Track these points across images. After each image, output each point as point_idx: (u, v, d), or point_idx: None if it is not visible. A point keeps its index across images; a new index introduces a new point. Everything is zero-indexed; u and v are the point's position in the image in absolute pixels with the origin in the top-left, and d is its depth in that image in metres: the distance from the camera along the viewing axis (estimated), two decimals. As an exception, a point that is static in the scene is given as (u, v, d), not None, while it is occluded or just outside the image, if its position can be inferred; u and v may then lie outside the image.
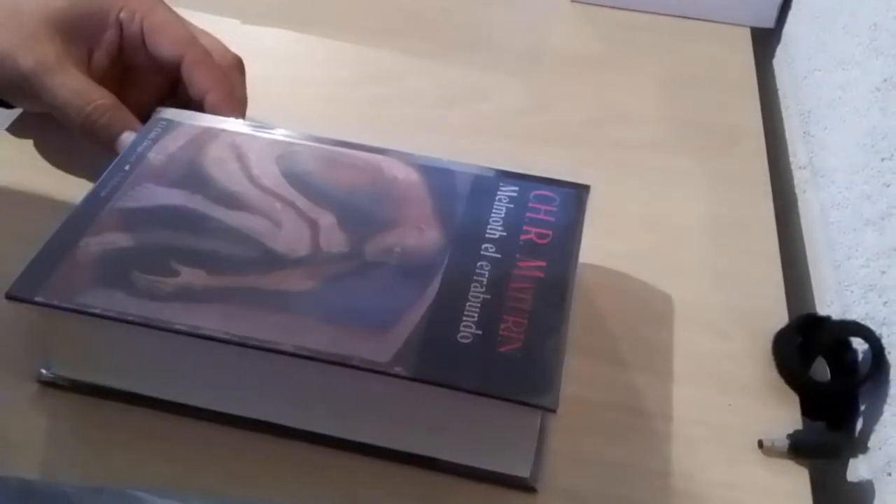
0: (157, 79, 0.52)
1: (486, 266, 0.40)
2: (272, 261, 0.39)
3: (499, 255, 0.40)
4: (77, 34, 0.48)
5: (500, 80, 0.62)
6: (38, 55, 0.46)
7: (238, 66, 0.53)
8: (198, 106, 0.49)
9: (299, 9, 0.67)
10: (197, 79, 0.49)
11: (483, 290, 0.39)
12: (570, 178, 0.45)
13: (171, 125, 0.46)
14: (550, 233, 0.42)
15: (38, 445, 0.39)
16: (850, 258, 0.47)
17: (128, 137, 0.47)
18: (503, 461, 0.38)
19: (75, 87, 0.47)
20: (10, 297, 0.37)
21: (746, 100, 0.62)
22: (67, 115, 0.48)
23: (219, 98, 0.49)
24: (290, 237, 0.40)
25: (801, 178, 0.58)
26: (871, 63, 0.49)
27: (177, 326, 0.36)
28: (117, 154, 0.45)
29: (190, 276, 0.38)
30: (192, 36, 0.51)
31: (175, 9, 0.55)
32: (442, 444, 0.39)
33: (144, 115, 0.48)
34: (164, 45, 0.50)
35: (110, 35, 0.50)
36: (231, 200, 0.42)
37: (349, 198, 0.43)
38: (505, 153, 0.54)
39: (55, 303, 0.37)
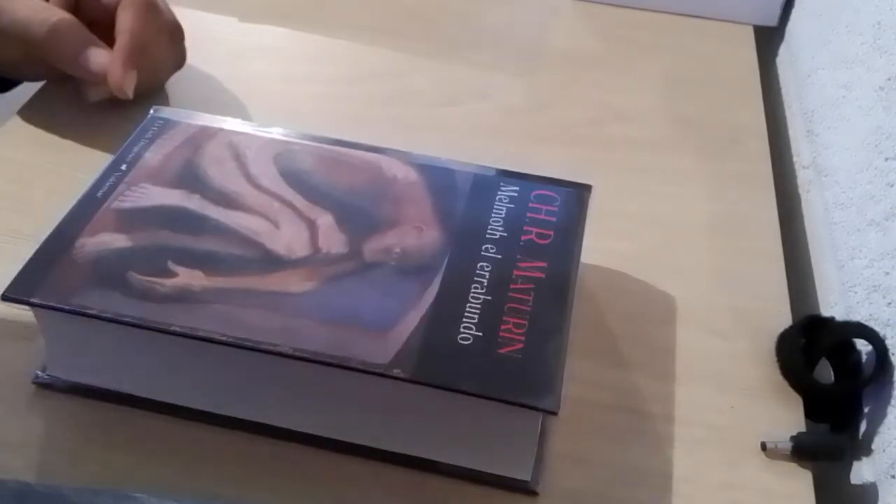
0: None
1: (487, 267, 0.39)
2: (270, 261, 0.39)
3: (499, 256, 0.40)
4: None
5: (500, 78, 0.62)
6: None
7: (172, 27, 0.54)
8: None
9: (298, 6, 0.67)
10: (119, 20, 0.51)
11: (483, 290, 0.38)
12: (570, 177, 0.44)
13: (167, 124, 0.46)
14: (551, 233, 0.41)
15: (35, 448, 0.39)
16: (854, 259, 0.47)
17: (92, 54, 0.49)
18: (504, 464, 0.38)
19: (36, 4, 0.49)
20: (6, 298, 0.37)
21: (749, 99, 0.61)
22: (31, 30, 0.49)
23: (123, 42, 0.50)
24: (288, 237, 0.40)
25: (804, 178, 0.58)
26: (875, 61, 0.49)
27: (174, 328, 0.36)
28: (80, 72, 0.48)
29: (187, 276, 0.38)
30: None
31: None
32: (441, 446, 0.38)
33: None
34: None
35: None
36: (229, 200, 0.42)
37: (348, 197, 0.42)
38: (505, 152, 0.54)
39: (51, 304, 0.37)
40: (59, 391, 0.40)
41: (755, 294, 0.48)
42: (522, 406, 0.34)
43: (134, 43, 0.50)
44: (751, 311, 0.47)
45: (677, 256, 0.50)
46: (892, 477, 0.38)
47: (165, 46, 0.54)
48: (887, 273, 0.42)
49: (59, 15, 0.49)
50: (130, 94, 0.51)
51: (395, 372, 0.35)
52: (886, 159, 0.45)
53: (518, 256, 0.40)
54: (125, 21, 0.51)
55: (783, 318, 0.46)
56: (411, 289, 0.38)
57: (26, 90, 0.57)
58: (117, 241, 0.39)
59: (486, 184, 0.44)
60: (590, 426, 0.41)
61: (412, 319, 0.37)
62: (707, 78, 0.63)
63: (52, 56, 0.50)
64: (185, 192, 0.42)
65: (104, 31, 0.52)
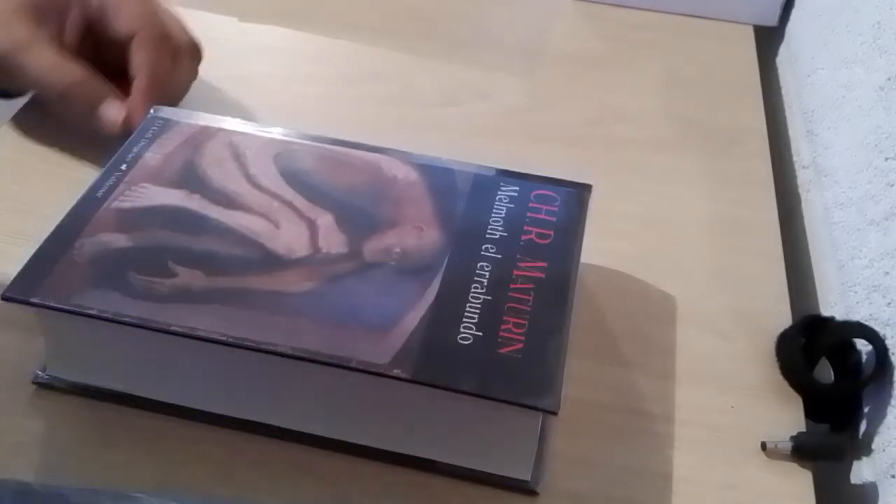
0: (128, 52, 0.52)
1: (487, 267, 0.39)
2: (270, 262, 0.39)
3: (499, 256, 0.40)
4: (45, 15, 0.50)
5: (500, 78, 0.62)
6: (13, 36, 0.49)
7: (191, 50, 0.54)
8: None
9: (298, 6, 0.67)
10: (135, 58, 0.50)
11: (483, 290, 0.38)
12: (571, 177, 0.44)
13: (167, 124, 0.46)
14: (551, 233, 0.41)
15: (34, 447, 0.39)
16: (854, 258, 0.47)
17: (105, 110, 0.49)
18: (504, 464, 0.38)
19: (49, 63, 0.49)
20: (6, 298, 0.37)
21: (749, 99, 0.61)
22: (45, 89, 0.50)
23: (142, 84, 0.50)
24: (288, 237, 0.40)
25: (804, 178, 0.58)
26: (875, 61, 0.49)
27: (174, 328, 0.36)
28: (95, 126, 0.48)
29: (187, 276, 0.38)
30: (149, 13, 0.51)
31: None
32: (441, 446, 0.38)
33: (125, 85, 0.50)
34: (119, 22, 0.51)
35: (75, 13, 0.51)
36: (229, 200, 0.42)
37: (348, 197, 0.42)
38: (505, 152, 0.54)
39: (51, 304, 0.37)
40: (59, 391, 0.40)
41: (755, 294, 0.48)
42: (522, 406, 0.34)
43: (152, 81, 0.50)
44: (751, 311, 0.47)
45: (677, 256, 0.50)
46: (892, 477, 0.38)
47: (185, 69, 0.54)
48: (887, 273, 0.42)
49: (70, 76, 0.49)
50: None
51: (395, 372, 0.35)
52: (886, 159, 0.45)
53: (518, 256, 0.40)
54: (141, 59, 0.50)
55: (783, 318, 0.46)
56: (411, 289, 0.38)
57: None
58: (117, 241, 0.39)
59: (486, 184, 0.44)
60: (590, 426, 0.41)
61: (412, 319, 0.37)
62: (707, 78, 0.63)
63: (66, 114, 0.51)
64: (185, 192, 0.42)
65: (117, 48, 0.51)
